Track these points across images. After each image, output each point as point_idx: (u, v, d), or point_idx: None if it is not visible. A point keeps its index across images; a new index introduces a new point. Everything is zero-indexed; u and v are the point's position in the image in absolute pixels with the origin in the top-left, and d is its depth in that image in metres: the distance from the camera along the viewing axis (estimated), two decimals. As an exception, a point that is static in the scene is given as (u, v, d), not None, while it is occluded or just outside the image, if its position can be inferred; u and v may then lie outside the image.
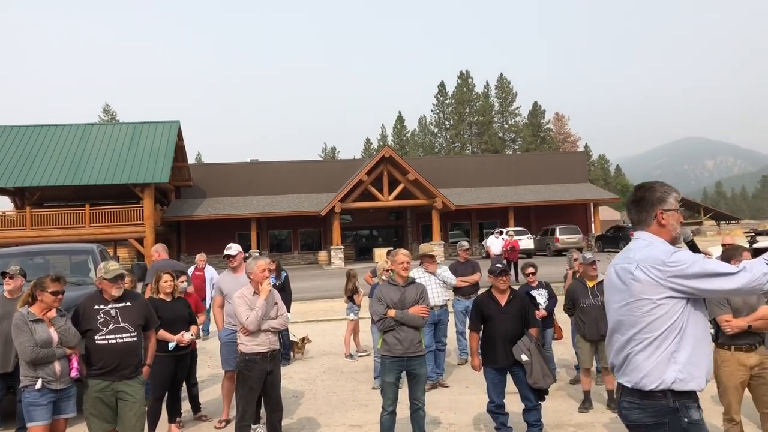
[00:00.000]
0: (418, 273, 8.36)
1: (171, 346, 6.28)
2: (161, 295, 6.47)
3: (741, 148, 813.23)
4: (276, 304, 5.71)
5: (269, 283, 5.60)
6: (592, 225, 41.22)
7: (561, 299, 8.06)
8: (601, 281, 6.88)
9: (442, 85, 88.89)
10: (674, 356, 2.67)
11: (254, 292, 5.58)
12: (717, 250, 9.33)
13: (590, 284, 7.04)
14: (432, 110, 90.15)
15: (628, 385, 2.77)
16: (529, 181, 41.66)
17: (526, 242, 32.52)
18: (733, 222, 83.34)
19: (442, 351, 8.51)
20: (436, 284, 8.40)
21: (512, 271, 20.74)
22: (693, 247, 3.12)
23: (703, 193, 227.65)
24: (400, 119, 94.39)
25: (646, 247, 2.82)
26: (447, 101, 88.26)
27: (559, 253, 32.31)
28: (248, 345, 5.50)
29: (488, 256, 27.81)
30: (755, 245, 9.31)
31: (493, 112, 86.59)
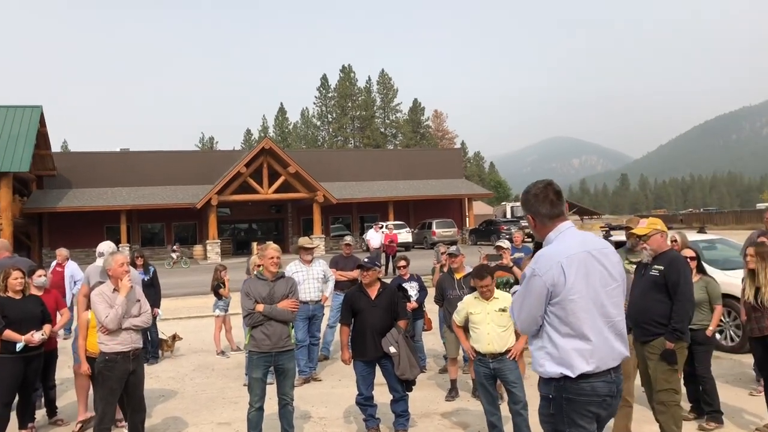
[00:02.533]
0: (295, 266, 8.30)
1: (19, 346, 5.84)
2: (9, 293, 6.01)
3: (604, 148, 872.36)
4: (138, 301, 5.46)
5: (129, 279, 5.34)
6: (467, 219, 42.76)
7: (432, 291, 8.28)
8: (468, 274, 7.15)
9: (324, 79, 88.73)
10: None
11: (114, 289, 5.31)
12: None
13: (458, 276, 7.27)
14: (315, 103, 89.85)
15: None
16: (409, 176, 42.52)
17: (405, 236, 33.19)
18: (595, 217, 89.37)
19: (316, 345, 8.51)
20: (313, 279, 8.36)
21: (390, 264, 21.12)
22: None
23: (569, 189, 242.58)
24: (282, 111, 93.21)
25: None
26: (330, 95, 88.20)
27: (434, 245, 33.22)
28: (108, 344, 5.22)
29: (368, 249, 28.12)
30: (609, 239, 9.99)
31: (375, 108, 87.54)
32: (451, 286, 7.19)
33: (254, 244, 33.08)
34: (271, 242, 6.26)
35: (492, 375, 5.33)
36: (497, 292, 5.56)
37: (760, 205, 75.75)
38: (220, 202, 33.60)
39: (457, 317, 5.68)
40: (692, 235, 9.34)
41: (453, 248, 7.53)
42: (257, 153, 33.92)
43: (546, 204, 3.00)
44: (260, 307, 5.47)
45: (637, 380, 5.38)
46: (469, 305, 5.57)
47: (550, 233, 3.01)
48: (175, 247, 33.44)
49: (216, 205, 33.42)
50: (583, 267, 2.89)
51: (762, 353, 5.74)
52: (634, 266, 5.76)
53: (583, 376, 2.85)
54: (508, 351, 5.34)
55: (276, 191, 34.58)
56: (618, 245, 7.18)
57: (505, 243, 8.71)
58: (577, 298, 2.85)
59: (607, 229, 11.41)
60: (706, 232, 11.38)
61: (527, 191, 3.09)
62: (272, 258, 5.69)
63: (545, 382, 2.95)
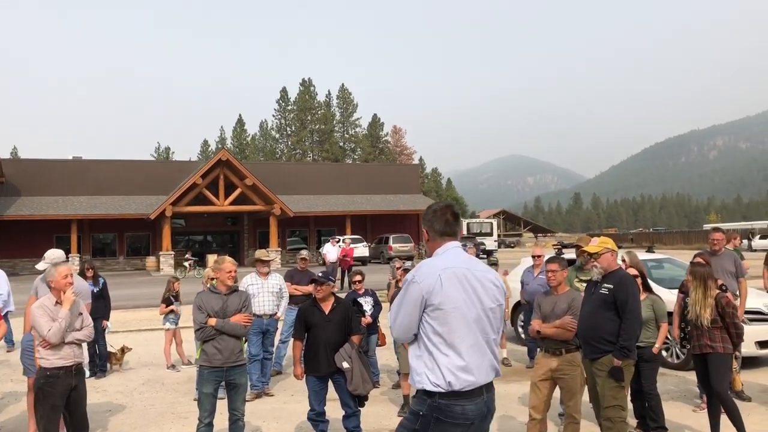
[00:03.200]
0: (251, 279, 8.22)
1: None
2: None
3: (558, 167, 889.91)
4: (81, 314, 5.31)
5: (72, 292, 5.19)
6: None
7: (386, 306, 8.29)
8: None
9: (284, 91, 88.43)
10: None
11: (56, 302, 5.15)
12: (528, 261, 10.11)
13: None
14: (274, 115, 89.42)
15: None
16: (367, 190, 42.62)
17: (362, 250, 33.21)
18: (549, 235, 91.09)
19: (269, 360, 8.42)
20: (268, 292, 8.28)
21: (345, 279, 21.04)
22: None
23: (524, 207, 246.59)
24: (240, 122, 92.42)
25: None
26: (289, 107, 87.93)
27: (391, 260, 33.33)
28: (49, 359, 5.05)
29: (324, 263, 28.01)
30: (561, 256, 10.15)
31: (335, 122, 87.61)
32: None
33: (208, 257, 32.70)
34: (227, 256, 6.18)
35: None
36: None
37: (707, 226, 78.24)
38: (175, 213, 33.08)
39: None
40: (641, 254, 9.58)
41: (408, 263, 7.58)
42: (214, 164, 33.57)
43: (441, 221, 3.19)
44: (212, 321, 5.39)
45: (585, 396, 5.48)
46: None
47: (438, 248, 3.17)
48: (188, 255, 32.81)
49: (170, 216, 32.89)
50: (461, 282, 3.01)
51: (703, 370, 5.92)
52: (584, 284, 5.89)
53: (454, 395, 2.90)
54: None
55: (232, 203, 34.24)
56: (570, 263, 7.31)
57: None
58: (451, 309, 2.95)
59: (560, 246, 11.65)
60: (653, 252, 11.72)
61: (430, 207, 3.30)
62: (230, 272, 5.64)
63: (419, 398, 3.00)
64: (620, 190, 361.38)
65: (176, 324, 10.05)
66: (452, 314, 2.94)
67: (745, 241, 39.15)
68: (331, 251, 25.51)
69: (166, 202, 32.62)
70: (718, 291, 5.93)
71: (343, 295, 7.01)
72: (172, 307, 9.97)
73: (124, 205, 35.61)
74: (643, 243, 50.19)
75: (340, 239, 29.79)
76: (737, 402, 6.07)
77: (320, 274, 6.11)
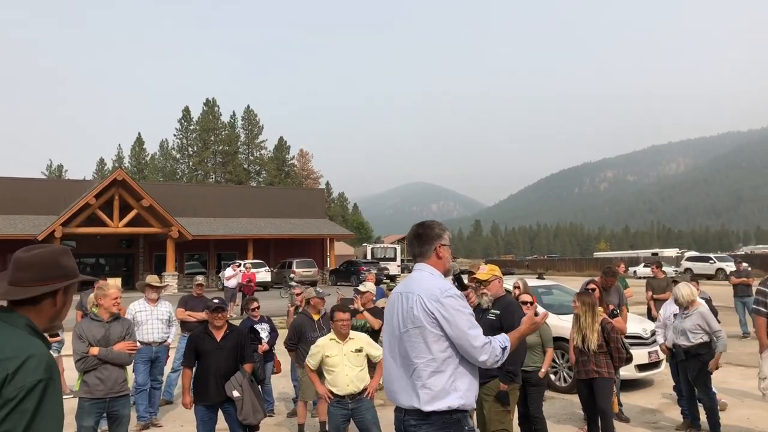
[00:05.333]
0: (139, 305, 7.92)
1: None
2: None
3: (460, 195, 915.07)
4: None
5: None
6: (328, 259, 42.87)
7: (283, 333, 8.19)
8: (325, 314, 7.19)
9: (186, 110, 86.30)
10: (455, 384, 2.94)
11: None
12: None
13: (316, 318, 7.26)
14: (175, 135, 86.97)
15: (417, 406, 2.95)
16: (271, 214, 42.06)
17: (264, 275, 32.65)
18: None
19: (158, 389, 8.10)
20: (157, 319, 8.00)
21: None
22: (459, 281, 3.52)
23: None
24: (139, 141, 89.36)
25: (428, 279, 3.10)
26: (191, 127, 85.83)
27: (290, 287, 32.96)
28: None
29: (224, 288, 27.31)
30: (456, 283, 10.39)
31: (239, 143, 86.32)
32: (311, 328, 7.14)
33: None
34: (110, 280, 5.93)
35: (349, 417, 5.35)
36: (353, 333, 5.63)
37: (598, 254, 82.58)
38: (65, 234, 31.36)
39: (312, 361, 5.61)
40: (531, 281, 9.96)
41: (320, 290, 7.53)
42: (109, 184, 32.17)
43: (408, 245, 3.39)
44: (95, 351, 5.15)
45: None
46: (324, 347, 5.55)
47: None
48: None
49: (60, 237, 31.14)
50: (390, 306, 3.22)
51: (588, 395, 6.20)
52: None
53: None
54: (364, 390, 5.40)
55: (127, 225, 32.88)
56: (464, 288, 7.50)
57: (364, 286, 8.68)
58: (383, 331, 3.26)
59: (458, 273, 11.92)
60: (544, 278, 12.19)
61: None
62: (115, 299, 5.42)
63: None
64: (518, 218, 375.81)
65: (59, 351, 9.48)
66: (384, 336, 3.27)
67: (631, 269, 41.49)
68: (231, 276, 24.93)
69: (56, 223, 30.90)
70: (604, 317, 6.26)
71: (238, 322, 6.87)
72: (57, 338, 9.41)
73: (9, 225, 33.39)
74: (538, 269, 52.30)
75: (240, 263, 29.15)
76: (616, 423, 6.39)
77: (216, 301, 5.96)
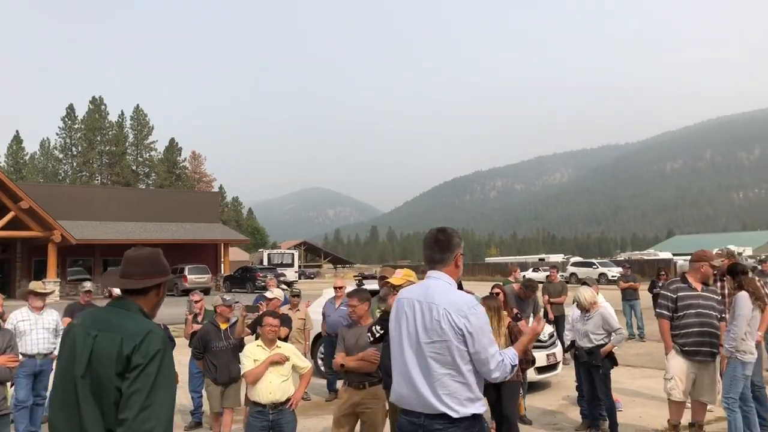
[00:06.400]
0: (22, 314, 7.27)
1: None
2: None
3: (356, 201, 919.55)
4: None
5: None
6: (222, 265, 41.73)
7: (180, 342, 7.81)
8: (235, 322, 6.89)
9: (71, 108, 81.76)
10: (477, 393, 3.06)
11: None
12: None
13: (223, 327, 6.92)
14: (58, 134, 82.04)
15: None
16: (162, 218, 40.44)
17: (154, 281, 31.27)
18: (348, 266, 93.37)
19: (41, 405, 7.45)
20: (43, 329, 7.37)
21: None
22: (460, 287, 3.47)
23: (324, 238, 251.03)
24: (17, 139, 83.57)
25: (449, 290, 3.08)
26: (76, 126, 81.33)
27: (186, 292, 31.80)
28: None
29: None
30: (362, 287, 10.33)
31: (127, 144, 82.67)
32: (216, 338, 6.80)
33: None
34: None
35: (268, 429, 5.13)
36: (279, 342, 5.52)
37: (489, 259, 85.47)
38: (-71, 237, 28.71)
39: (247, 363, 5.38)
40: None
41: (228, 297, 7.14)
42: (-18, 184, 29.77)
43: (426, 249, 3.25)
44: (-29, 366, 4.64)
45: (387, 430, 5.52)
46: (254, 353, 5.37)
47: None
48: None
49: None
50: (401, 311, 3.16)
51: (496, 398, 6.27)
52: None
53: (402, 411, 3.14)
54: (287, 401, 5.23)
55: (3, 228, 30.53)
56: (373, 293, 7.42)
57: (271, 292, 8.41)
58: (392, 336, 3.20)
59: (360, 278, 11.89)
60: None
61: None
62: (-7, 307, 4.91)
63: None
64: (413, 225, 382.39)
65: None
66: (392, 342, 3.25)
67: (522, 273, 43.24)
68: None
69: None
70: (510, 320, 6.37)
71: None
72: None
73: None
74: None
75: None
76: (520, 426, 6.51)
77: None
